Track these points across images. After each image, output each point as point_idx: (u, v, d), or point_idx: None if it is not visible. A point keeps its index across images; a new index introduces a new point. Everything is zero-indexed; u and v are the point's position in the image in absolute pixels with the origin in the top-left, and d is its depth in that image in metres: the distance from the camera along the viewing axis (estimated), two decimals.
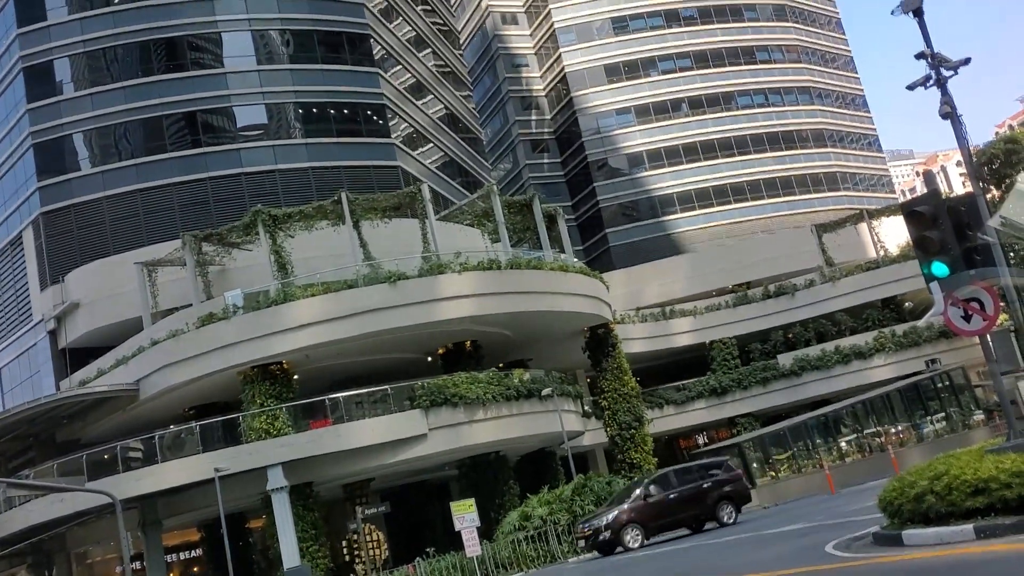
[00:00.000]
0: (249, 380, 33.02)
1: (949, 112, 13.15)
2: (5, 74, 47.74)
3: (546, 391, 34.47)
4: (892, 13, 13.70)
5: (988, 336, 12.12)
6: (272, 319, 32.59)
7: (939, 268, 11.47)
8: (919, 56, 13.34)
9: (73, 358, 41.94)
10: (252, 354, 32.60)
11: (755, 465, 41.06)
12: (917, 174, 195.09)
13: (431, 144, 57.77)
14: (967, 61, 13.46)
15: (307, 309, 32.55)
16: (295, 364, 33.79)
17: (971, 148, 13.58)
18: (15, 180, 46.78)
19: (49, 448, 38.93)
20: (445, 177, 58.36)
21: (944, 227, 11.53)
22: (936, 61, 13.38)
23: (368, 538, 35.16)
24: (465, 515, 24.09)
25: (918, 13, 13.40)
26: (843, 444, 42.01)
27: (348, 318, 32.60)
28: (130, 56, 46.78)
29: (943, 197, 11.88)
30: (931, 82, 13.47)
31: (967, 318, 11.75)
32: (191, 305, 36.01)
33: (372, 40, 51.11)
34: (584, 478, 28.80)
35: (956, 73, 13.42)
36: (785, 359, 51.02)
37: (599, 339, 41.79)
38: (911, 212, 11.76)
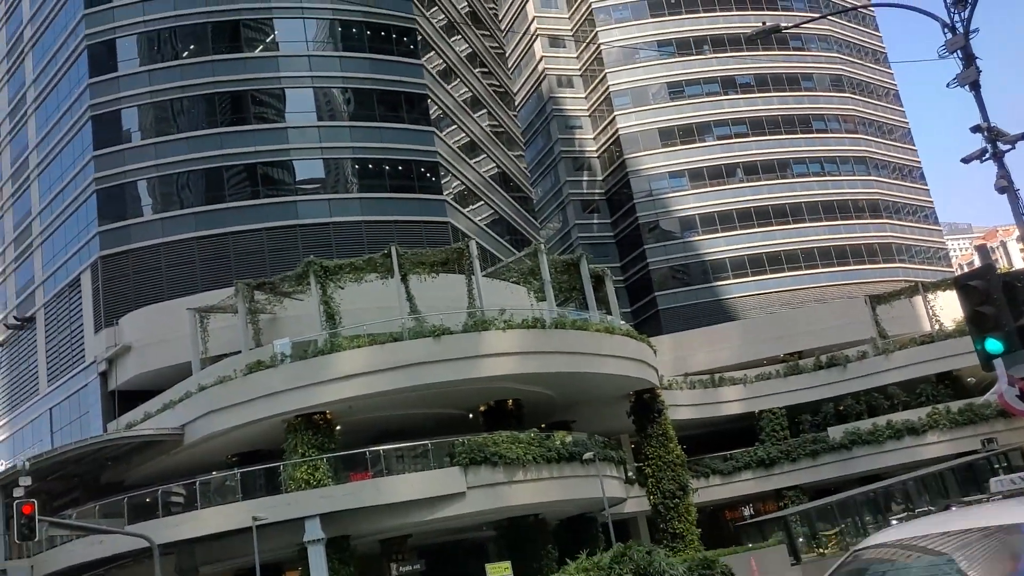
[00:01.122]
0: (293, 429, 33.11)
1: (1006, 186, 12.89)
2: (75, 121, 49.41)
3: (587, 455, 33.97)
4: (948, 86, 13.56)
5: None
6: (318, 369, 32.78)
7: (993, 344, 11.13)
8: (975, 129, 13.14)
9: (122, 400, 42.50)
10: (297, 403, 32.75)
11: (801, 540, 39.90)
12: (975, 248, 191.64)
13: (482, 202, 58.31)
14: None
15: (352, 360, 32.70)
16: (338, 415, 33.85)
17: None
18: (77, 224, 48.09)
19: (93, 489, 39.29)
20: (494, 235, 58.74)
21: (999, 303, 11.21)
22: (992, 134, 13.17)
23: None
24: None
25: (975, 86, 13.24)
26: (893, 522, 40.68)
27: (392, 371, 32.67)
28: (195, 108, 48.18)
29: (998, 272, 11.57)
30: (987, 156, 13.24)
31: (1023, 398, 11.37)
32: (240, 352, 36.37)
33: (429, 100, 52.07)
34: (624, 547, 27.94)
35: (1013, 147, 13.20)
36: (835, 432, 49.93)
37: (645, 404, 41.22)
38: (964, 286, 11.46)
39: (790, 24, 18.01)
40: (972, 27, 13.38)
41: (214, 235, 45.63)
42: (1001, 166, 13.08)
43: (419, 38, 53.09)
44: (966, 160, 13.52)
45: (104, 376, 43.70)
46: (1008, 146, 13.19)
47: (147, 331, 42.37)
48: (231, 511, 31.45)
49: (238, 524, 30.58)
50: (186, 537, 32.03)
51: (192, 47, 49.14)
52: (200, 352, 38.55)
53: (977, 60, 13.44)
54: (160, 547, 29.48)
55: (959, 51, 13.40)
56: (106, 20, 48.91)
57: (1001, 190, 12.91)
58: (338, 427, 34.23)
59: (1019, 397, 11.34)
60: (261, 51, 49.84)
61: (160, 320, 41.92)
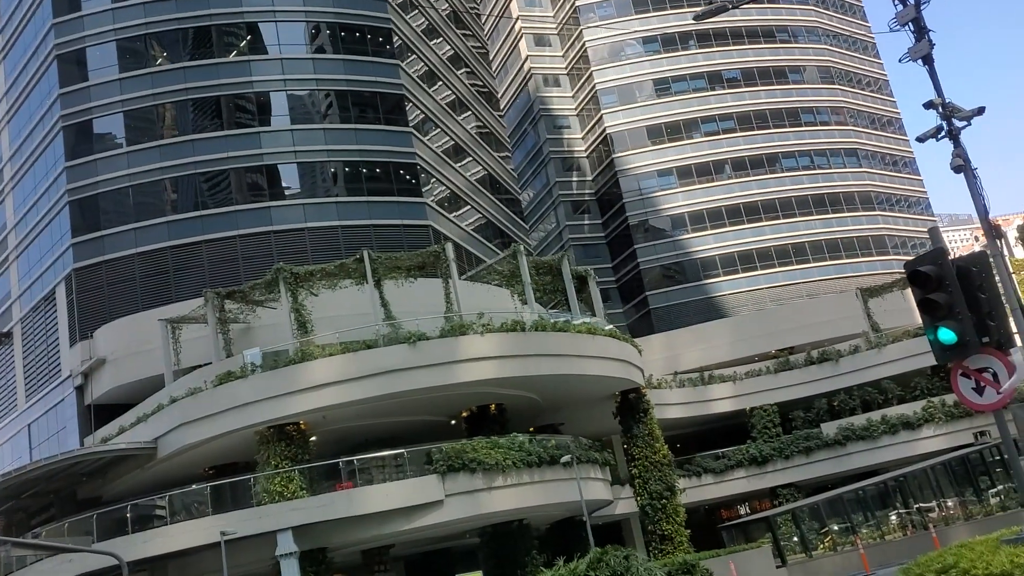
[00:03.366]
0: (265, 440, 32.31)
1: (962, 165, 12.11)
2: (47, 132, 48.66)
3: (565, 458, 33.15)
4: (900, 61, 12.78)
5: (1004, 411, 10.92)
6: (289, 378, 32.00)
7: (945, 334, 10.36)
8: (927, 106, 12.36)
9: (99, 414, 41.76)
10: (268, 414, 31.97)
11: (795, 540, 39.03)
12: (976, 239, 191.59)
13: (468, 206, 57.51)
14: (981, 111, 12.44)
15: (324, 369, 31.92)
16: (312, 425, 33.08)
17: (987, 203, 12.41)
18: (51, 237, 47.33)
19: (70, 505, 38.54)
20: (481, 238, 57.93)
21: (952, 289, 10.45)
22: (947, 111, 12.39)
23: None
24: None
25: (927, 60, 12.48)
26: (886, 520, 39.83)
27: (366, 379, 31.88)
28: (168, 115, 47.48)
29: (949, 256, 10.79)
30: (943, 134, 12.46)
31: (979, 391, 10.58)
32: (211, 363, 35.63)
33: (409, 103, 51.29)
34: (601, 552, 27.11)
35: (969, 124, 12.41)
36: (829, 428, 49.14)
37: (630, 404, 40.46)
38: (914, 272, 10.68)
39: (738, 2, 17.22)
40: None
41: (187, 244, 44.83)
42: (957, 144, 12.30)
43: (396, 40, 52.33)
44: (921, 139, 12.74)
45: (80, 390, 42.97)
46: (963, 123, 12.42)
47: (121, 343, 41.63)
48: (201, 526, 30.65)
49: (207, 539, 29.78)
50: (156, 554, 31.24)
51: (164, 54, 48.43)
52: (172, 364, 37.81)
53: (930, 33, 12.68)
54: (131, 564, 28.65)
55: (911, 23, 12.63)
56: (76, 29, 48.16)
57: (957, 169, 12.13)
58: (313, 438, 33.46)
59: (975, 390, 10.55)
60: (235, 56, 49.09)
61: (134, 332, 41.18)
